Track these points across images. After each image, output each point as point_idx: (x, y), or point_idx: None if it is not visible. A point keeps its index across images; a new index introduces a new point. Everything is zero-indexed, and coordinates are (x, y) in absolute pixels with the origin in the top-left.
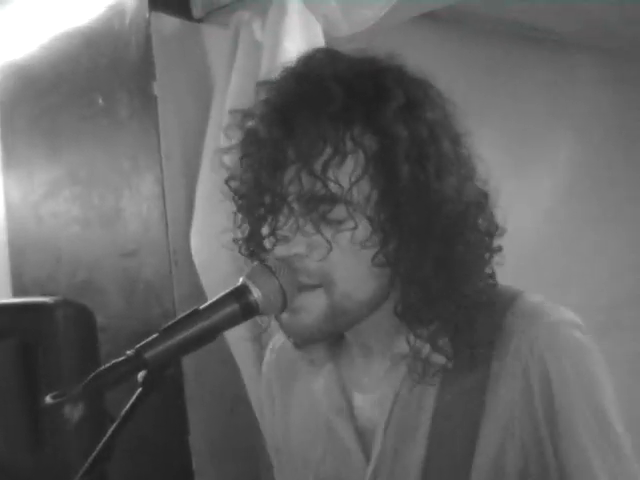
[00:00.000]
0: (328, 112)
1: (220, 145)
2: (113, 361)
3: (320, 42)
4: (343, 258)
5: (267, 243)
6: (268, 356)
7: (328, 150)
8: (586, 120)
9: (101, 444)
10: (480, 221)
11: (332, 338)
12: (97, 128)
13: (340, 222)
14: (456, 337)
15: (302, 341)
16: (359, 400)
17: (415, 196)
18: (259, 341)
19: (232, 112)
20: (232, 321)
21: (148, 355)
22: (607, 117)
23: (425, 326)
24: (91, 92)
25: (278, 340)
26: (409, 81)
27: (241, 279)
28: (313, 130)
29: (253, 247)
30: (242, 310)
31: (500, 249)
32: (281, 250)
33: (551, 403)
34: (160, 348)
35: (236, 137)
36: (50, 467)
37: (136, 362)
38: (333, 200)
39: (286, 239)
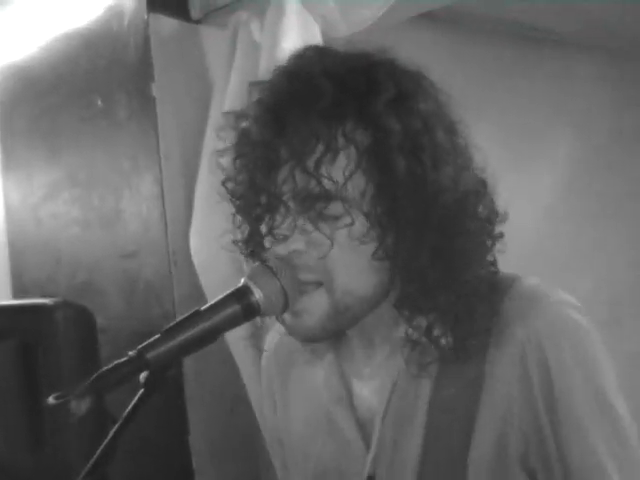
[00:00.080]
0: (319, 109)
1: (218, 146)
2: (115, 362)
3: (318, 42)
4: (342, 254)
5: (266, 242)
6: (267, 353)
7: (320, 147)
8: (585, 117)
9: (102, 445)
10: (480, 209)
11: (336, 336)
12: (96, 129)
13: (337, 218)
14: (456, 326)
15: (306, 341)
16: (359, 390)
17: (411, 188)
18: (258, 340)
19: (225, 114)
20: (233, 322)
21: (150, 356)
22: (606, 114)
23: (424, 316)
24: (90, 93)
25: (276, 336)
26: (401, 73)
27: (242, 280)
28: (304, 128)
29: (253, 247)
30: (243, 311)
31: (502, 235)
32: (279, 249)
33: (551, 390)
34: (162, 349)
35: (230, 138)
36: (50, 467)
37: (138, 363)
38: (328, 197)
39: (284, 238)
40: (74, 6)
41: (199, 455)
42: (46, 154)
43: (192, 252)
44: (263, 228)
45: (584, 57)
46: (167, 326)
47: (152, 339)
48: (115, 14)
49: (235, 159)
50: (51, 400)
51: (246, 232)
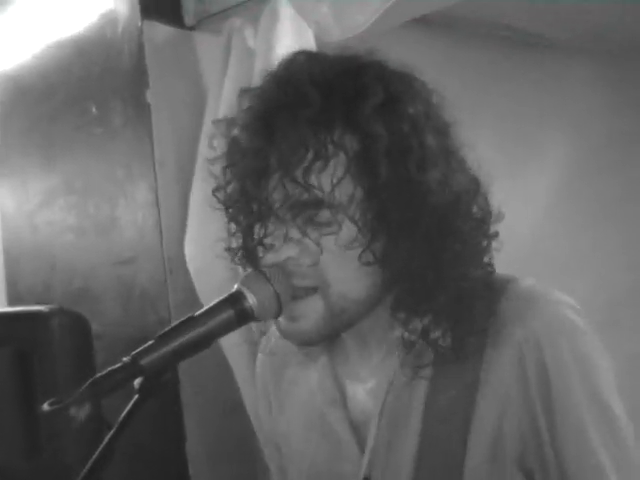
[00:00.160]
0: (307, 117)
1: (211, 153)
2: (109, 368)
3: (312, 48)
4: (335, 259)
5: (258, 251)
6: (261, 356)
7: (309, 155)
8: (579, 121)
9: (98, 451)
10: (474, 209)
11: (331, 339)
12: (91, 137)
13: (328, 224)
14: (452, 328)
15: (302, 345)
16: (353, 392)
17: (397, 192)
18: (253, 345)
19: (215, 122)
20: (227, 327)
21: (144, 362)
22: (600, 117)
23: (420, 318)
24: (84, 101)
25: (271, 339)
26: (390, 76)
27: (236, 285)
28: (293, 136)
29: (246, 255)
30: (237, 316)
31: (497, 235)
32: (271, 257)
33: (548, 390)
34: (156, 355)
35: (221, 146)
36: (47, 474)
37: (132, 369)
38: (318, 204)
39: (275, 246)
40: (67, 14)
41: (195, 461)
42: (41, 162)
43: (187, 259)
44: (255, 236)
45: (578, 60)
46: (161, 332)
47: (146, 345)
48: (109, 21)
49: (225, 167)
50: (46, 407)
51: (239, 240)
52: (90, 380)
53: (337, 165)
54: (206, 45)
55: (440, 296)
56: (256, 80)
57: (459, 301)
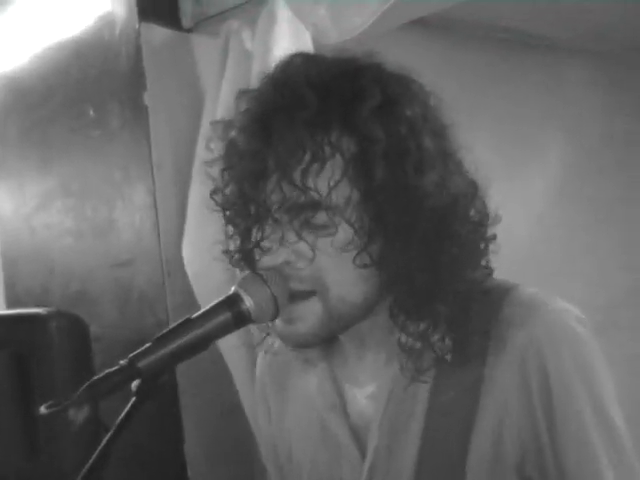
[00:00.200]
0: (304, 119)
1: (209, 156)
2: (107, 370)
3: (309, 50)
4: (333, 262)
5: (256, 254)
6: (260, 360)
7: (307, 157)
8: (577, 122)
9: (96, 453)
10: (471, 212)
11: (327, 342)
12: (88, 139)
13: (324, 227)
14: (451, 331)
15: (297, 347)
16: (353, 396)
17: (394, 194)
18: (251, 348)
19: (213, 123)
20: (225, 329)
21: (141, 364)
22: (597, 119)
23: (418, 322)
24: (82, 103)
25: (270, 344)
26: (388, 78)
27: (233, 288)
28: (290, 139)
29: (244, 257)
30: (234, 318)
31: (494, 237)
32: (267, 260)
33: (549, 397)
34: (153, 357)
35: (219, 148)
36: (45, 476)
37: (130, 371)
38: (314, 207)
39: (272, 249)
40: (65, 16)
41: (194, 462)
42: (38, 164)
43: (185, 261)
44: (252, 239)
45: (575, 62)
46: (158, 334)
47: (143, 347)
48: (106, 23)
49: (223, 170)
50: (43, 409)
51: (237, 242)
52: (87, 382)
53: (334, 167)
54: (203, 47)
55: (438, 299)
56: (253, 82)
57: (456, 304)
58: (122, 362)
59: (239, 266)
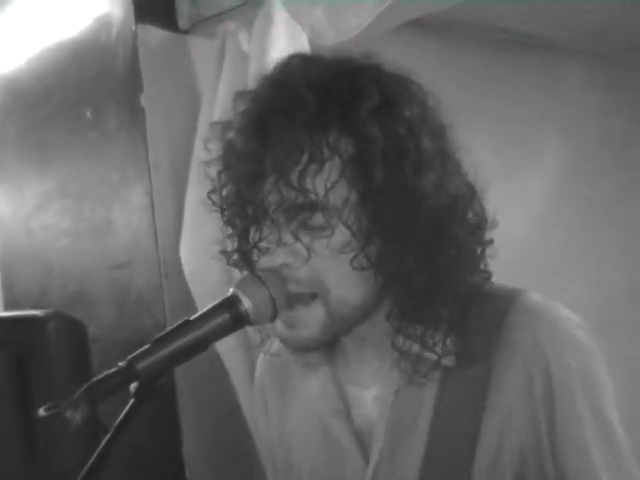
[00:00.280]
0: (302, 120)
1: (206, 156)
2: (105, 372)
3: (306, 52)
4: (331, 264)
5: (253, 255)
6: (260, 362)
7: (304, 158)
8: (575, 123)
9: (95, 455)
10: (470, 214)
11: (328, 345)
12: (86, 140)
13: (321, 228)
14: (451, 334)
15: (300, 351)
16: (356, 399)
17: (392, 195)
18: (249, 349)
19: (212, 124)
20: (223, 331)
21: (140, 366)
22: (596, 120)
23: (416, 324)
24: (79, 105)
25: (270, 346)
26: (386, 79)
27: (231, 289)
28: (288, 139)
29: (242, 258)
30: (233, 320)
31: (492, 241)
32: (265, 261)
33: (552, 403)
34: (152, 359)
35: (217, 149)
36: (44, 478)
37: (128, 373)
38: (312, 208)
39: (269, 250)
40: (62, 17)
41: (192, 464)
42: (36, 165)
43: (182, 262)
44: (250, 240)
45: (573, 63)
46: (157, 336)
47: (142, 349)
48: (103, 25)
49: (221, 170)
50: (42, 412)
51: (235, 243)
52: (86, 384)
53: (332, 168)
54: (200, 49)
55: (436, 301)
56: (250, 84)
57: (455, 306)
58: (121, 364)
59: (237, 267)
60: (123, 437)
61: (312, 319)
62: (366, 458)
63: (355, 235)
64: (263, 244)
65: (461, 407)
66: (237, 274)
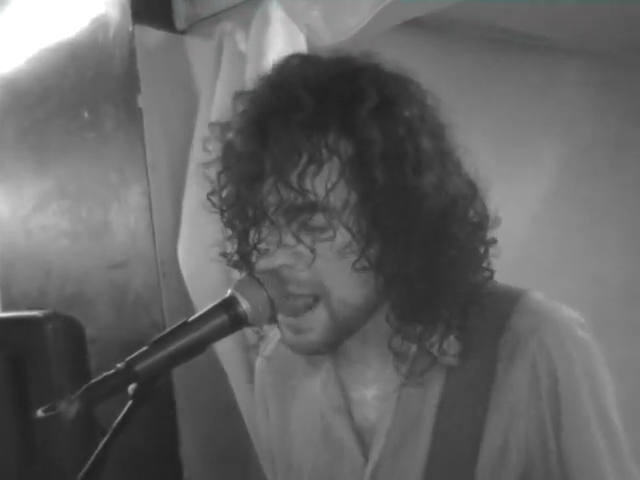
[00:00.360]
0: (300, 121)
1: (205, 157)
2: (104, 374)
3: (304, 51)
4: (331, 265)
5: (253, 256)
6: (260, 361)
7: (303, 160)
8: (571, 123)
9: (93, 456)
10: (471, 214)
11: (335, 348)
12: (84, 141)
13: (322, 230)
14: (451, 334)
15: (309, 355)
16: (357, 398)
17: (392, 196)
18: (247, 350)
19: (211, 125)
20: (221, 332)
21: (138, 367)
22: (593, 120)
23: (415, 325)
24: (77, 105)
25: (270, 345)
26: (385, 79)
27: (229, 291)
28: (286, 141)
29: (241, 259)
30: (231, 321)
31: (495, 241)
32: (265, 263)
33: (558, 401)
34: (150, 360)
35: (216, 150)
36: (42, 479)
37: (126, 375)
38: (311, 209)
39: (268, 252)
40: (59, 18)
41: (190, 465)
42: (34, 166)
43: (180, 262)
44: (250, 241)
45: (569, 63)
46: (155, 337)
47: (140, 351)
48: (100, 25)
49: (220, 171)
50: (40, 413)
51: (235, 244)
52: (85, 386)
53: (331, 169)
54: (197, 49)
55: (436, 302)
56: (248, 84)
57: (456, 307)
58: (119, 365)
59: (237, 268)
60: (121, 438)
61: (316, 323)
62: (366, 457)
63: (355, 236)
64: (262, 245)
65: (465, 406)
66: (235, 275)
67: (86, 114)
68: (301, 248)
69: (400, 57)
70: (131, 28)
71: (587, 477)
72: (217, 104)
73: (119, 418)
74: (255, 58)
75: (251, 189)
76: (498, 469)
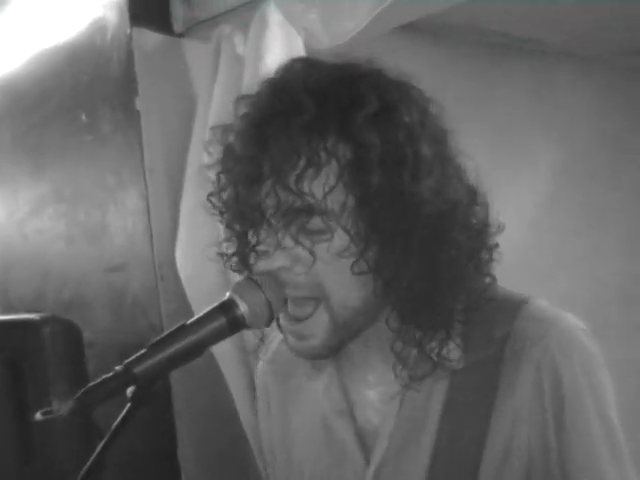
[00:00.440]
0: (300, 125)
1: (203, 159)
2: (102, 377)
3: (301, 55)
4: (329, 268)
5: (251, 258)
6: (262, 362)
7: (302, 163)
8: (568, 128)
9: (92, 459)
10: (472, 219)
11: (338, 352)
12: (81, 144)
13: (320, 232)
14: (451, 340)
15: (313, 359)
16: (360, 401)
17: (389, 201)
18: (245, 352)
19: (212, 128)
20: (219, 335)
21: (137, 370)
22: (590, 124)
23: (415, 329)
24: (75, 108)
25: (271, 346)
26: (386, 84)
27: (227, 293)
28: (286, 144)
29: (240, 261)
30: (229, 324)
31: (496, 246)
32: (263, 265)
33: (561, 406)
34: (149, 363)
35: (217, 153)
36: None
37: (125, 378)
38: (309, 211)
39: (267, 254)
40: (57, 21)
41: (188, 468)
42: (31, 169)
43: (178, 265)
44: (248, 243)
45: (565, 66)
46: (153, 340)
47: (138, 354)
48: (98, 28)
49: (220, 173)
50: (38, 416)
51: (234, 246)
52: (83, 389)
53: (329, 173)
54: (195, 52)
55: (435, 306)
56: (245, 87)
57: (456, 312)
58: (117, 368)
59: (236, 270)
60: (119, 440)
61: (318, 328)
62: (368, 460)
63: (353, 239)
64: (261, 247)
65: (468, 411)
66: (233, 277)
67: (83, 117)
68: (299, 250)
69: (397, 61)
70: (129, 31)
71: (587, 477)
72: (215, 107)
73: (117, 420)
74: (253, 61)
75: (250, 191)
76: (501, 473)
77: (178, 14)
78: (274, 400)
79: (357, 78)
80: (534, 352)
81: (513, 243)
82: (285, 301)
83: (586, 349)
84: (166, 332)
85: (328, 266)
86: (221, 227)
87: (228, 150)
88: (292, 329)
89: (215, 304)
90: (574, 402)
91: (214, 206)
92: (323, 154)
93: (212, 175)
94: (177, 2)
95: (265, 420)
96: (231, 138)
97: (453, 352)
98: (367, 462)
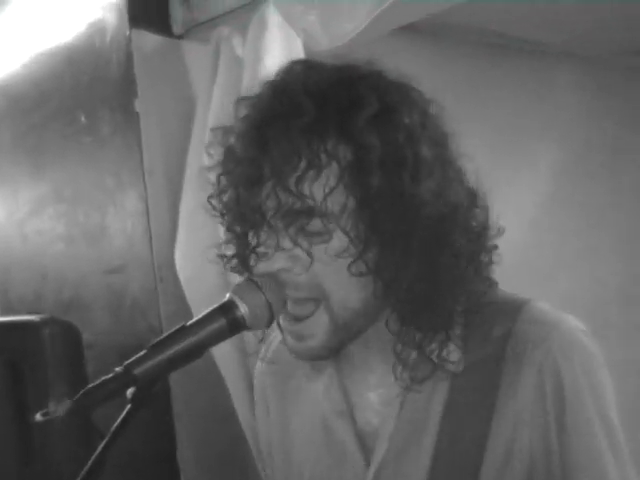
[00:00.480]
0: (300, 127)
1: (203, 161)
2: (102, 378)
3: (301, 56)
4: (329, 269)
5: (251, 260)
6: (261, 363)
7: (302, 165)
8: (569, 128)
9: (91, 460)
10: (472, 222)
11: (338, 353)
12: (80, 145)
13: (319, 234)
14: (451, 342)
15: (312, 360)
16: (360, 403)
17: (389, 202)
18: (244, 353)
19: (213, 129)
20: (219, 336)
21: (137, 371)
22: (590, 125)
23: (415, 331)
24: (74, 110)
25: (271, 347)
26: (386, 86)
27: (227, 294)
28: (286, 146)
29: (240, 262)
30: (229, 325)
31: (495, 247)
32: (263, 266)
33: (562, 405)
34: (149, 364)
35: (218, 154)
36: None
37: (125, 379)
38: (309, 213)
39: (267, 255)
40: (56, 23)
41: (187, 469)
42: (31, 170)
43: (177, 267)
44: (248, 244)
45: (564, 67)
46: (153, 342)
47: (139, 355)
48: (97, 30)
49: (220, 175)
50: (38, 417)
51: (234, 248)
52: (83, 390)
53: (330, 175)
54: (194, 54)
55: (435, 308)
56: (245, 88)
57: (456, 314)
58: (117, 369)
59: (236, 271)
60: (119, 442)
61: (317, 328)
62: (368, 461)
63: (353, 241)
64: (261, 249)
65: (469, 413)
66: (233, 279)
67: (83, 118)
68: (298, 252)
69: (397, 62)
70: (128, 32)
71: (588, 477)
72: (214, 109)
73: (117, 422)
74: (252, 63)
75: (250, 193)
76: (502, 476)
77: (177, 16)
78: (273, 401)
79: (357, 80)
80: (536, 355)
81: (513, 243)
82: (285, 302)
83: (586, 350)
84: (166, 333)
85: (327, 267)
86: (220, 229)
87: (229, 152)
88: (292, 329)
89: (215, 305)
90: (575, 403)
91: (214, 208)
92: (323, 156)
93: (212, 177)
94: (176, 4)
95: (263, 421)
96: (231, 140)
97: (453, 354)
98: (367, 463)
